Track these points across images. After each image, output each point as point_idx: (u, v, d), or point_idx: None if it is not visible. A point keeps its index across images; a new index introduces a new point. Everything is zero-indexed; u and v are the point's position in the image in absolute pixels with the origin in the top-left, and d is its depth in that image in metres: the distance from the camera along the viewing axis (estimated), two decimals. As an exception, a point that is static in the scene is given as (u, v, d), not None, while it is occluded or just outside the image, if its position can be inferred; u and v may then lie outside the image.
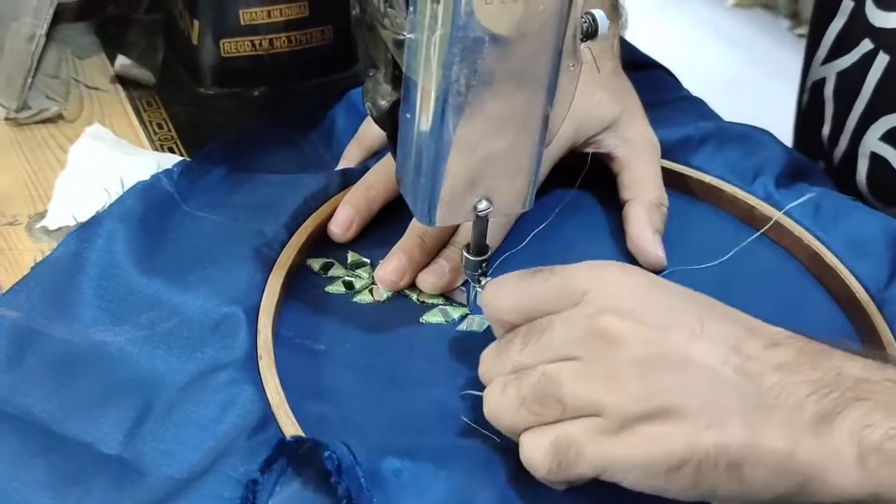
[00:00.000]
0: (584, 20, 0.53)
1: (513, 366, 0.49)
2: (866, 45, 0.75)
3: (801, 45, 0.89)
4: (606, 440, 0.46)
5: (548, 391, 0.47)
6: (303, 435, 0.51)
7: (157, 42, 0.88)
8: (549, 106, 0.52)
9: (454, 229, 0.64)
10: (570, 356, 0.47)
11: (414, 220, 0.62)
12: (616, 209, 0.69)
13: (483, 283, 0.59)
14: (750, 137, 0.76)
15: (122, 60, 0.84)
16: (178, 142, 0.78)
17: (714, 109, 0.86)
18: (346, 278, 0.64)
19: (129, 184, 0.67)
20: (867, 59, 0.75)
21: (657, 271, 0.65)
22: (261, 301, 0.59)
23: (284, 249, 0.63)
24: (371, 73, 0.55)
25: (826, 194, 0.71)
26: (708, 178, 0.73)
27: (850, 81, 0.77)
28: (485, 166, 0.53)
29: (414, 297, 0.63)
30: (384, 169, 0.66)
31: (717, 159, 0.74)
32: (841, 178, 0.79)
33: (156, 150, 0.77)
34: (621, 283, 0.49)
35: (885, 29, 0.74)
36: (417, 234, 0.63)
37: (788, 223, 0.69)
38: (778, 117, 0.97)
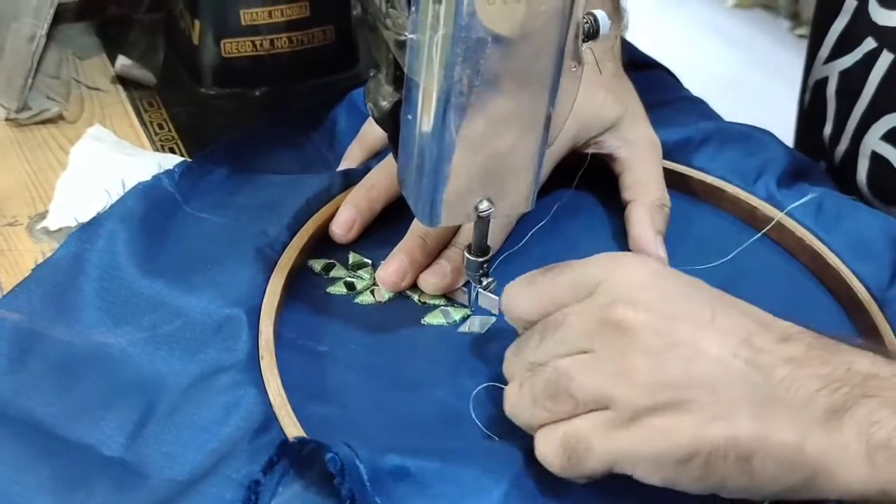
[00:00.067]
0: (585, 21, 0.53)
1: (529, 363, 0.49)
2: (869, 43, 0.75)
3: (801, 46, 0.89)
4: (615, 434, 0.46)
5: (560, 387, 0.47)
6: (305, 436, 0.51)
7: (157, 42, 0.88)
8: (551, 106, 0.52)
9: (456, 230, 0.64)
10: (584, 349, 0.47)
11: (415, 220, 0.62)
12: (618, 210, 0.69)
13: (485, 283, 0.59)
14: (751, 138, 0.76)
15: (122, 61, 0.84)
16: (179, 142, 0.78)
17: (714, 110, 0.85)
18: (348, 279, 0.64)
19: (130, 185, 0.67)
20: (870, 58, 0.75)
21: None
22: (262, 302, 0.59)
23: (286, 251, 0.63)
24: (373, 74, 0.55)
25: (828, 195, 0.71)
26: (709, 179, 0.73)
27: (852, 80, 0.77)
28: (486, 167, 0.52)
29: (415, 297, 0.63)
30: (386, 169, 0.66)
31: (718, 160, 0.74)
32: (841, 177, 0.79)
33: (157, 150, 0.76)
34: (635, 273, 0.49)
35: (889, 27, 0.73)
36: (419, 235, 0.63)
37: (790, 224, 0.69)
38: (778, 117, 0.97)
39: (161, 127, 0.80)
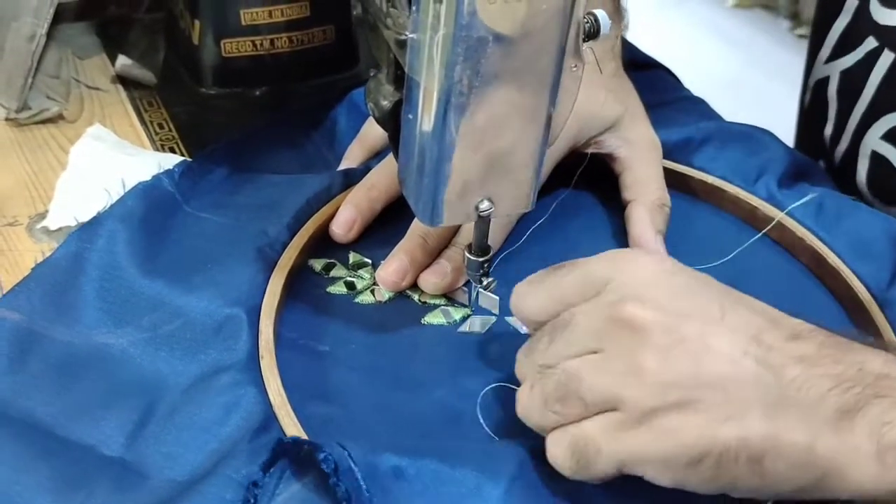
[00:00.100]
0: (586, 20, 0.53)
1: (539, 365, 0.49)
2: (871, 42, 0.75)
3: (801, 46, 0.89)
4: (624, 435, 0.45)
5: (569, 389, 0.47)
6: (300, 436, 0.51)
7: (157, 42, 0.88)
8: (551, 106, 0.52)
9: (456, 230, 0.64)
10: (592, 349, 0.47)
11: (416, 220, 0.62)
12: (618, 209, 0.69)
13: (485, 283, 0.59)
14: (752, 138, 0.76)
15: (122, 60, 0.84)
16: (180, 142, 0.78)
17: (715, 110, 0.85)
18: (348, 279, 0.63)
19: (130, 184, 0.67)
20: (871, 57, 0.75)
21: None
22: (263, 302, 0.59)
23: (286, 250, 0.63)
24: (373, 74, 0.55)
25: (828, 195, 0.71)
26: (710, 179, 0.73)
27: (853, 80, 0.77)
28: (487, 167, 0.52)
29: (416, 297, 0.63)
30: (386, 169, 0.66)
31: (719, 160, 0.74)
32: (841, 177, 0.79)
33: (157, 150, 0.76)
34: (643, 270, 0.48)
35: (890, 27, 0.73)
36: (419, 235, 0.63)
37: (791, 223, 0.69)
38: (778, 117, 0.97)
39: (161, 127, 0.80)
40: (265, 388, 0.54)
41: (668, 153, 0.73)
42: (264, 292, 0.59)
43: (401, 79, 0.52)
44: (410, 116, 0.51)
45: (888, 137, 0.75)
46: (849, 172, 0.79)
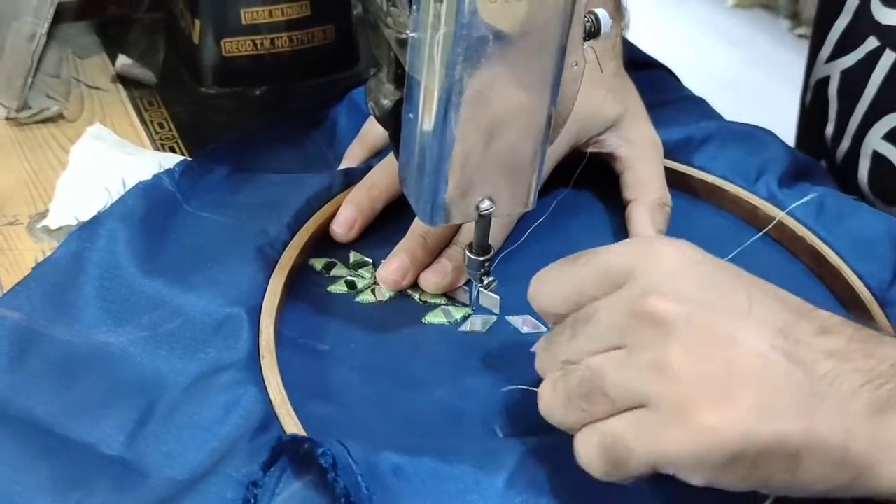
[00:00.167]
0: (587, 19, 0.53)
1: (562, 361, 0.48)
2: (872, 42, 0.75)
3: (801, 45, 0.90)
4: (654, 434, 0.44)
5: (593, 386, 0.45)
6: (299, 434, 0.51)
7: (158, 41, 0.88)
8: (552, 105, 0.52)
9: (456, 229, 0.63)
10: (616, 344, 0.45)
11: (416, 219, 0.62)
12: (618, 208, 0.69)
13: (486, 282, 0.59)
14: (753, 137, 0.76)
15: (122, 60, 0.84)
16: (180, 141, 0.78)
17: (715, 109, 0.85)
18: (349, 278, 0.63)
19: (130, 183, 0.67)
20: (872, 57, 0.75)
21: None
22: (263, 301, 0.59)
23: (286, 249, 0.63)
24: (374, 73, 0.55)
25: (829, 194, 0.71)
26: (711, 178, 0.73)
27: (854, 80, 0.77)
28: (488, 166, 0.52)
29: (416, 296, 0.63)
30: (386, 168, 0.66)
31: (719, 159, 0.74)
32: (842, 176, 0.79)
33: (157, 149, 0.76)
34: (667, 261, 0.46)
35: (892, 26, 0.73)
36: (420, 234, 0.63)
37: (791, 223, 0.69)
38: (778, 117, 0.97)
39: (161, 126, 0.80)
40: (265, 388, 0.54)
41: (669, 152, 0.73)
42: (264, 291, 0.59)
43: (401, 78, 0.52)
44: (411, 115, 0.51)
45: (889, 137, 0.75)
46: (850, 172, 0.79)
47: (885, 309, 0.63)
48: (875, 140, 0.76)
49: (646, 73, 0.84)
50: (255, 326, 0.57)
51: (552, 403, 0.48)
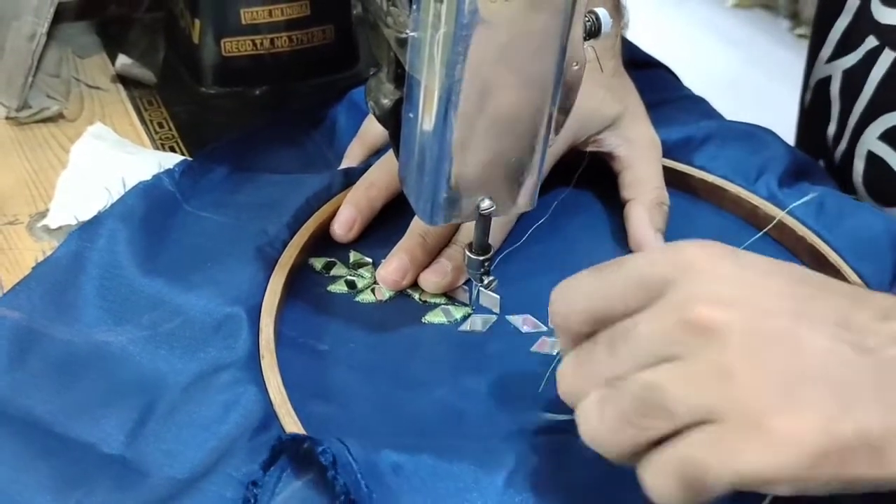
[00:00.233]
0: (587, 19, 0.53)
1: (605, 378, 0.44)
2: (871, 41, 0.75)
3: (800, 45, 0.89)
4: (732, 451, 0.41)
5: (652, 401, 0.42)
6: (298, 433, 0.51)
7: (158, 41, 0.88)
8: (553, 105, 0.52)
9: (456, 228, 0.63)
10: (666, 357, 0.42)
11: (415, 219, 0.62)
12: (618, 208, 0.69)
13: (486, 282, 0.59)
14: (753, 136, 0.76)
15: (122, 60, 0.84)
16: (180, 141, 0.78)
17: (715, 109, 0.85)
18: (349, 278, 0.63)
19: (130, 183, 0.67)
20: (871, 56, 0.75)
21: None
22: (263, 301, 0.59)
23: (286, 249, 0.63)
24: (373, 72, 0.55)
25: (829, 194, 0.71)
26: (711, 178, 0.73)
27: (855, 79, 0.77)
28: (488, 165, 0.52)
29: (416, 296, 0.63)
30: (385, 166, 0.66)
31: (719, 158, 0.74)
32: (841, 177, 0.79)
33: (157, 149, 0.76)
34: (708, 266, 0.44)
35: (891, 25, 0.73)
36: (419, 234, 0.62)
37: (792, 223, 0.69)
38: (778, 117, 0.97)
39: (161, 126, 0.80)
40: (265, 387, 0.54)
41: (669, 152, 0.73)
42: (264, 291, 0.59)
43: (401, 77, 0.52)
44: (411, 115, 0.51)
45: (885, 137, 0.75)
46: (846, 172, 0.79)
47: (885, 308, 0.63)
48: (871, 140, 0.76)
49: (646, 72, 0.84)
50: (255, 326, 0.57)
51: (601, 427, 0.44)
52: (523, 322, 0.61)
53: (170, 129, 0.79)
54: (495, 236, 0.62)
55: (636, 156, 0.69)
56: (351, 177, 0.68)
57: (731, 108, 0.87)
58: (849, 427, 0.40)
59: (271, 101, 0.83)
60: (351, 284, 0.63)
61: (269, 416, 0.52)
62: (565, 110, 0.54)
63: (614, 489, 0.48)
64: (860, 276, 0.65)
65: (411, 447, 0.51)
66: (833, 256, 0.66)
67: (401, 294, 0.63)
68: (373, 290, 0.63)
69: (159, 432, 0.52)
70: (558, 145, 0.66)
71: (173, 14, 0.86)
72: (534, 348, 0.60)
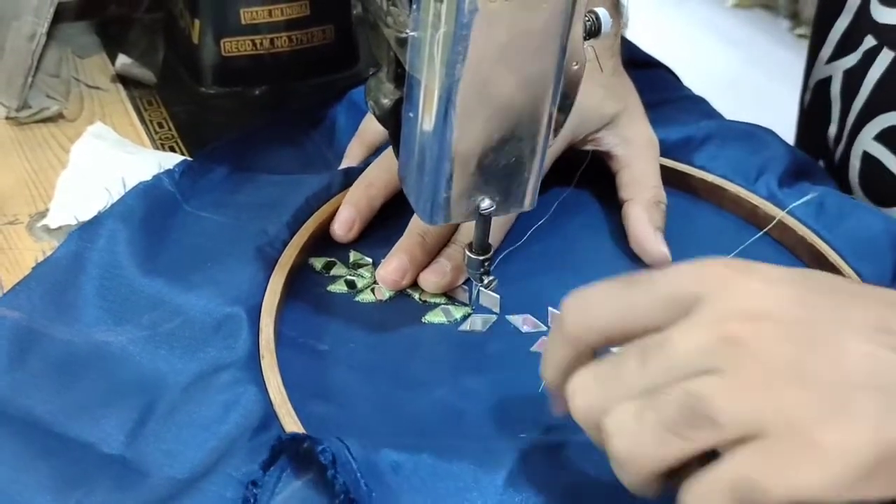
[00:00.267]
0: (587, 18, 0.53)
1: (638, 390, 0.42)
2: (869, 41, 0.75)
3: (800, 45, 0.90)
4: (784, 467, 0.40)
5: (697, 410, 0.41)
6: (298, 432, 0.51)
7: (157, 41, 0.88)
8: (553, 105, 0.52)
9: (455, 227, 0.63)
10: (708, 369, 0.41)
11: (414, 218, 0.62)
12: (617, 207, 0.69)
13: (486, 281, 0.59)
14: (753, 136, 0.76)
15: (122, 59, 0.84)
16: (179, 141, 0.78)
17: (715, 109, 0.85)
18: (349, 277, 0.63)
19: (130, 183, 0.67)
20: (870, 56, 0.75)
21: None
22: (263, 301, 0.59)
23: (286, 249, 0.63)
24: (373, 72, 0.55)
25: (829, 193, 0.71)
26: (711, 178, 0.73)
27: (854, 80, 0.77)
28: (488, 165, 0.52)
29: (416, 296, 0.63)
30: (384, 165, 0.66)
31: (719, 158, 0.74)
32: (838, 177, 0.79)
33: (157, 149, 0.76)
34: (738, 281, 0.43)
35: (889, 25, 0.73)
36: (418, 233, 0.62)
37: (792, 222, 0.69)
38: (778, 117, 0.97)
39: (161, 126, 0.80)
40: (265, 387, 0.54)
41: (669, 152, 0.73)
42: (264, 291, 0.59)
43: (401, 77, 0.52)
44: (411, 115, 0.51)
45: (880, 138, 0.75)
46: (843, 173, 0.79)
47: (885, 308, 0.63)
48: (866, 140, 0.76)
49: (646, 72, 0.84)
50: (255, 326, 0.57)
51: (643, 438, 0.42)
52: (523, 322, 0.61)
53: (170, 129, 0.79)
54: (494, 236, 0.62)
55: (634, 155, 0.69)
56: (350, 176, 0.68)
57: (731, 108, 0.87)
58: None
59: (271, 101, 0.83)
60: (351, 284, 0.63)
61: (269, 416, 0.52)
62: (565, 110, 0.54)
63: (614, 489, 0.47)
64: (860, 276, 0.65)
65: (411, 447, 0.51)
66: (833, 256, 0.66)
67: (401, 294, 0.63)
68: (373, 290, 0.63)
69: (159, 432, 0.52)
70: (557, 144, 0.66)
71: (173, 14, 0.86)
72: (534, 348, 0.60)
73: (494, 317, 0.61)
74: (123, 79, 0.84)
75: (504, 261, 0.64)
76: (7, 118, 0.78)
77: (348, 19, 0.83)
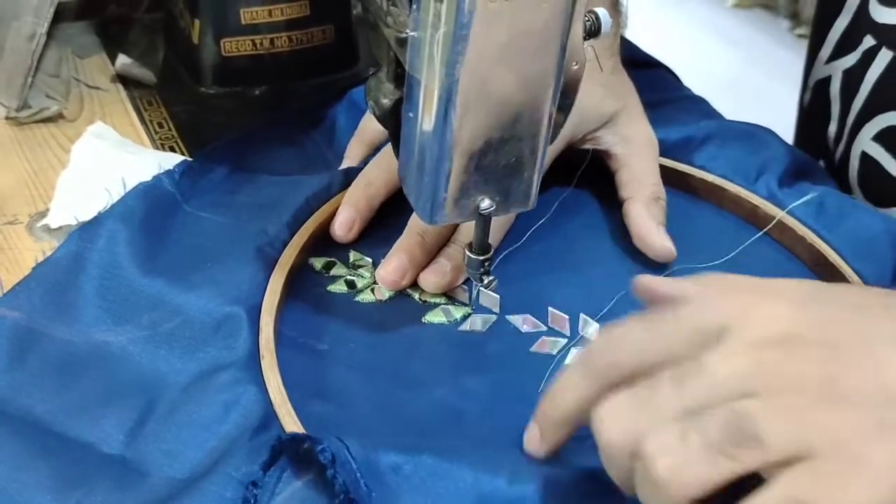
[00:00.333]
0: (587, 18, 0.53)
1: (677, 414, 0.42)
2: (868, 41, 0.75)
3: (800, 45, 0.90)
4: (835, 487, 0.39)
5: (745, 429, 0.40)
6: (298, 432, 0.51)
7: (157, 41, 0.88)
8: (553, 105, 0.52)
9: (454, 227, 0.63)
10: (748, 392, 0.41)
11: (413, 217, 0.62)
12: (617, 207, 0.69)
13: (486, 281, 0.59)
14: (753, 136, 0.76)
15: (122, 59, 0.84)
16: (179, 141, 0.78)
17: (715, 109, 0.85)
18: (349, 277, 0.63)
19: (130, 183, 0.67)
20: (869, 56, 0.75)
21: (667, 263, 0.65)
22: (263, 301, 0.59)
23: (286, 249, 0.63)
24: (373, 72, 0.55)
25: (829, 193, 0.71)
26: (711, 178, 0.73)
27: (854, 80, 0.77)
28: (488, 165, 0.52)
29: (416, 296, 0.63)
30: (382, 164, 0.66)
31: (719, 158, 0.74)
32: (839, 177, 0.79)
33: (157, 149, 0.76)
34: (761, 309, 0.44)
35: (888, 25, 0.73)
36: (417, 233, 0.62)
37: (792, 222, 0.69)
38: (778, 117, 0.97)
39: (161, 126, 0.80)
40: (265, 387, 0.54)
41: (669, 152, 0.73)
42: (264, 291, 0.59)
43: (401, 77, 0.52)
44: (411, 114, 0.51)
45: (879, 138, 0.75)
46: (843, 173, 0.79)
47: (884, 309, 0.63)
48: (865, 141, 0.76)
49: (646, 72, 0.84)
50: (255, 326, 0.57)
51: (689, 458, 0.41)
52: (523, 322, 0.61)
53: (169, 129, 0.79)
54: (494, 236, 0.62)
55: (633, 153, 0.69)
56: (350, 176, 0.68)
57: (731, 108, 0.87)
58: None
59: (271, 101, 0.83)
60: (351, 284, 0.63)
61: (269, 416, 0.52)
62: (565, 110, 0.54)
63: (615, 489, 0.48)
64: (860, 276, 0.65)
65: (411, 447, 0.51)
66: (833, 256, 0.66)
67: (400, 294, 0.63)
68: (372, 290, 0.63)
69: (159, 432, 0.52)
70: (556, 143, 0.66)
71: (173, 14, 0.86)
72: (534, 348, 0.60)
73: (494, 317, 0.61)
74: (123, 79, 0.84)
75: (504, 261, 0.64)
76: (7, 118, 0.78)
77: (348, 19, 0.83)
